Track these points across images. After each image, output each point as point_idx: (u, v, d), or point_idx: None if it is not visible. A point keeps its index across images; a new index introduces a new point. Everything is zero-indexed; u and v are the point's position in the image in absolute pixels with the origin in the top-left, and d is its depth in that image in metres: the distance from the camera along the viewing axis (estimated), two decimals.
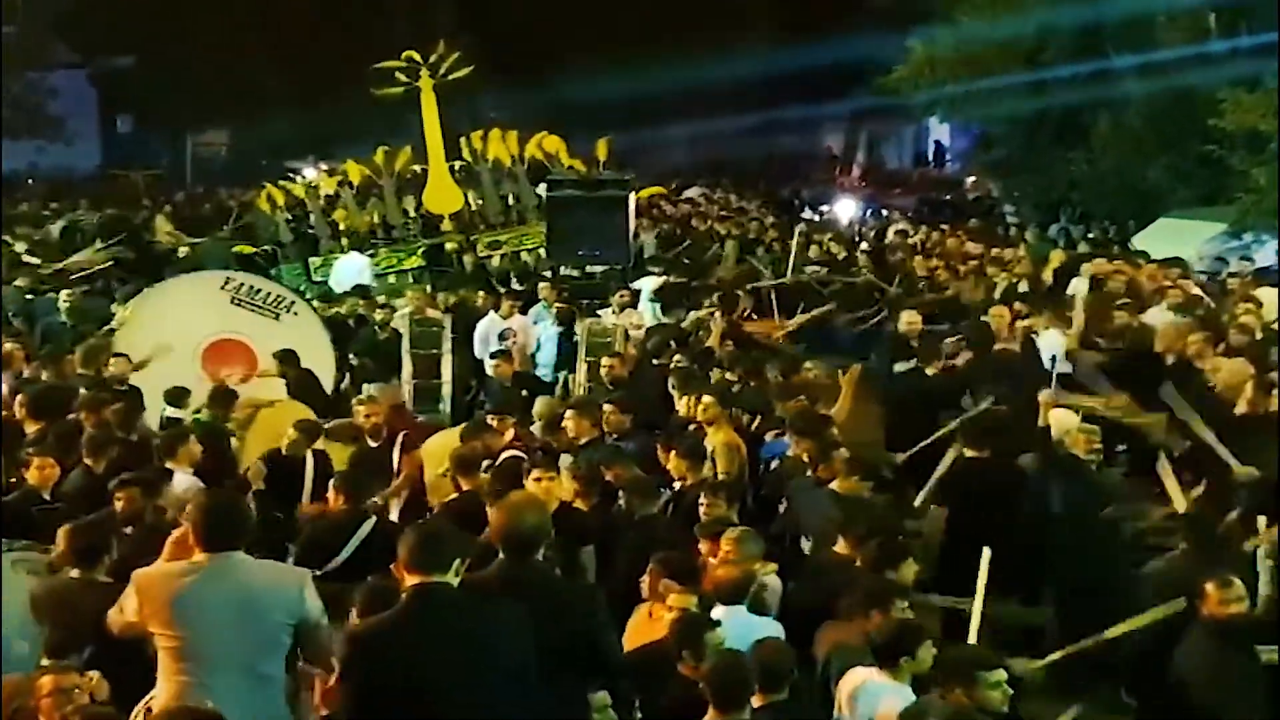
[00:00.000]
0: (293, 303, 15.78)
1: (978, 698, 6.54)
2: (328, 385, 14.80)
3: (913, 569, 8.20)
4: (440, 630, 5.67)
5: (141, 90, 46.29)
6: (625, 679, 6.74)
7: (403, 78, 23.62)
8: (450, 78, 23.96)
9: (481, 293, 19.06)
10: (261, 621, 6.07)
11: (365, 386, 15.02)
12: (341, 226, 23.80)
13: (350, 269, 21.77)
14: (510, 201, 24.30)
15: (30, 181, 42.10)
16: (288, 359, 14.23)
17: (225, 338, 15.24)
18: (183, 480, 9.79)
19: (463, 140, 24.55)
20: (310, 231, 23.76)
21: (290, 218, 23.89)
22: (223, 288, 15.59)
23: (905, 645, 6.88)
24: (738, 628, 7.31)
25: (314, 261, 23.23)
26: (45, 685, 6.49)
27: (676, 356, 14.18)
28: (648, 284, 18.94)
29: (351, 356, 16.06)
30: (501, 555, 6.39)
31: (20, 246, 22.40)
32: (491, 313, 17.01)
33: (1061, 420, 10.87)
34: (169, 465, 10.00)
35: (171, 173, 43.39)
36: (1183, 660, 7.75)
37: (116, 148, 48.88)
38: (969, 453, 10.60)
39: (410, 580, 5.74)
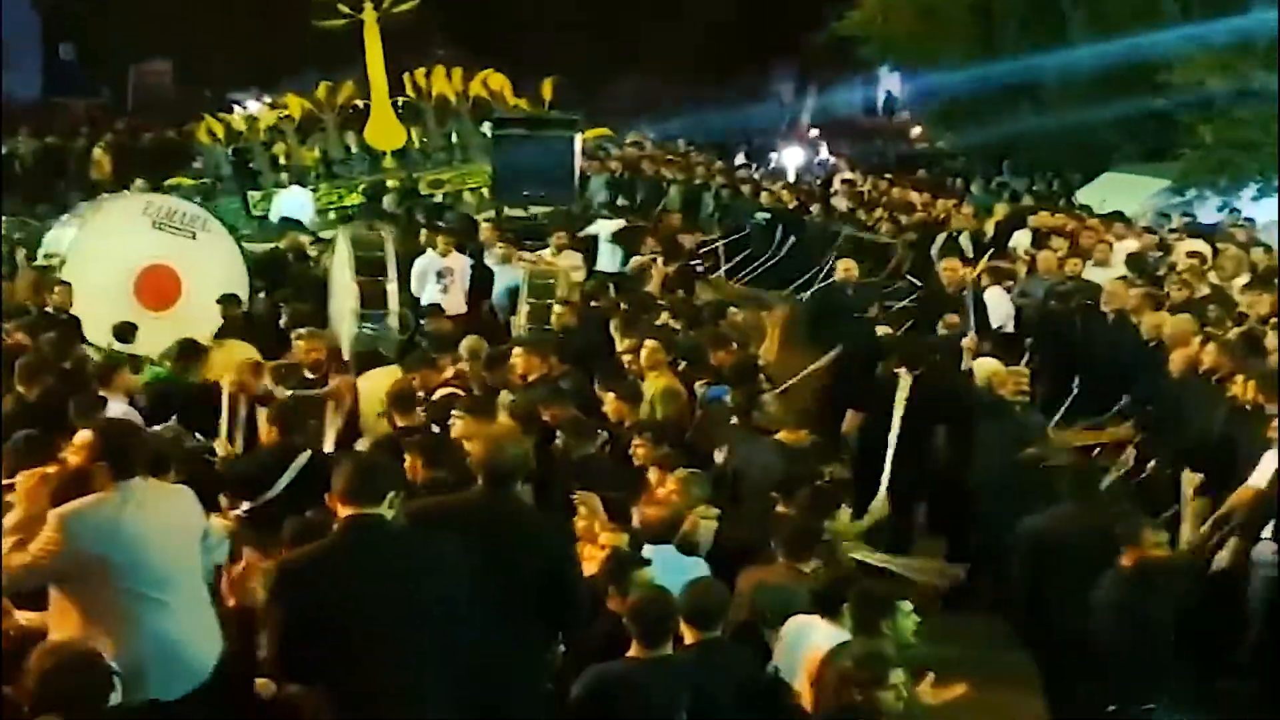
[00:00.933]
0: (205, 220, 15.64)
1: (895, 629, 6.61)
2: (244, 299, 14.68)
3: (847, 517, 8.27)
4: (372, 562, 5.63)
5: (85, 18, 45.64)
6: (585, 617, 6.74)
7: (345, 9, 23.27)
8: (395, 10, 23.60)
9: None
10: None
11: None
12: (282, 161, 23.49)
13: (292, 202, 21.46)
14: (453, 139, 24.09)
15: None
16: (229, 301, 14.14)
17: (153, 264, 15.03)
18: (117, 409, 9.74)
19: (406, 76, 24.27)
20: (250, 165, 23.37)
21: (229, 151, 23.50)
22: (144, 212, 15.41)
23: (869, 606, 6.78)
24: (666, 566, 7.35)
25: (253, 196, 22.83)
26: None
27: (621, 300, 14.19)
28: (605, 226, 18.86)
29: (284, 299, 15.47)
30: (481, 484, 6.44)
31: None
32: (429, 251, 16.62)
33: (985, 364, 11.17)
34: (103, 394, 9.91)
35: (113, 102, 42.77)
36: (1101, 602, 7.84)
37: (58, 76, 48.16)
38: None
39: (343, 512, 5.71)
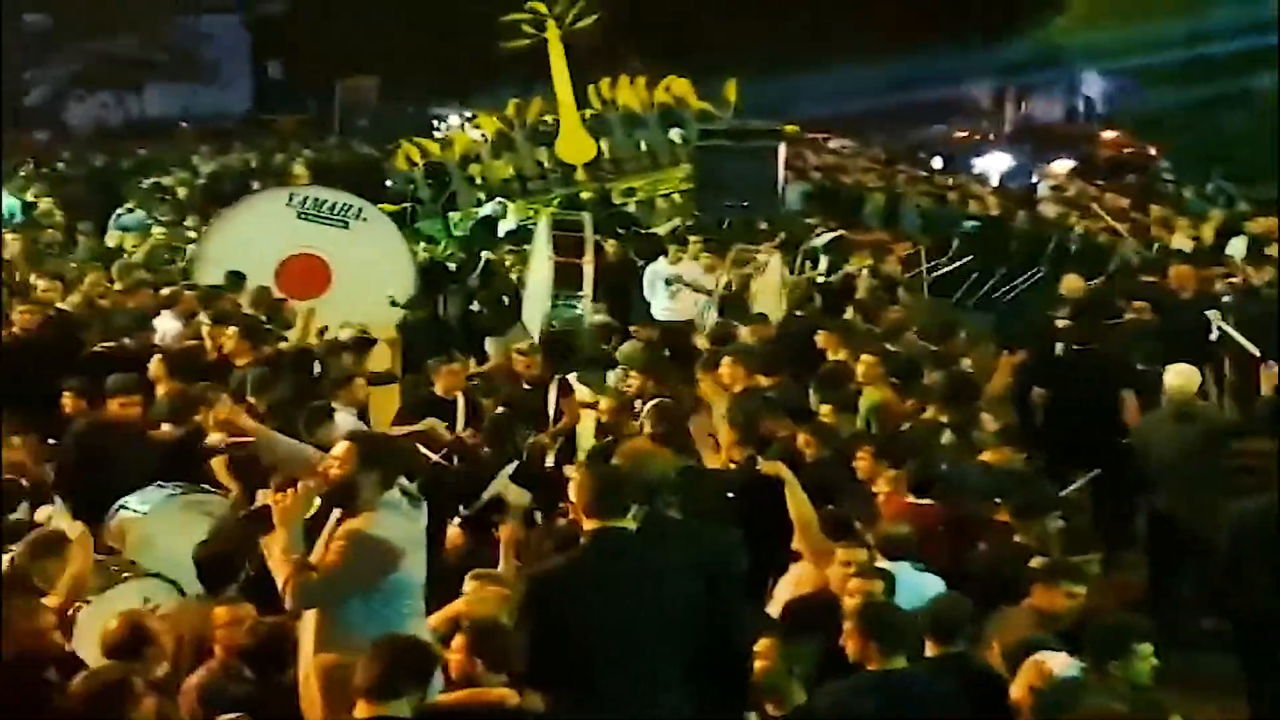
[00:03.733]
0: (360, 209, 15.51)
1: (1130, 672, 6.41)
2: (408, 289, 14.69)
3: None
4: (618, 574, 5.74)
5: (292, 36, 46.88)
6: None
7: (529, 30, 23.53)
8: (577, 26, 23.78)
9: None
10: None
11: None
12: (477, 180, 23.92)
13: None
14: (642, 147, 24.17)
15: (184, 124, 42.88)
16: (413, 304, 14.31)
17: (297, 253, 15.00)
18: (345, 420, 9.88)
19: (591, 88, 24.47)
20: (448, 186, 23.80)
21: (428, 174, 23.99)
22: (287, 204, 15.44)
23: (1101, 644, 6.57)
24: (903, 582, 7.34)
25: (453, 216, 23.26)
26: (222, 616, 6.74)
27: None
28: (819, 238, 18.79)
29: (474, 304, 15.76)
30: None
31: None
32: (661, 259, 16.65)
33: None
34: (334, 405, 10.13)
35: (320, 118, 43.91)
36: None
37: (267, 93, 49.55)
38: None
39: (588, 525, 5.81)
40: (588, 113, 24.31)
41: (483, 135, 24.44)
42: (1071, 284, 14.71)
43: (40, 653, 6.46)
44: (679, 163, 23.55)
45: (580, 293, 14.38)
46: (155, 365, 10.90)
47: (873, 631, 6.37)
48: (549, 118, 24.40)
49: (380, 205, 23.17)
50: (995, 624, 7.21)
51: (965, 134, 47.89)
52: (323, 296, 14.16)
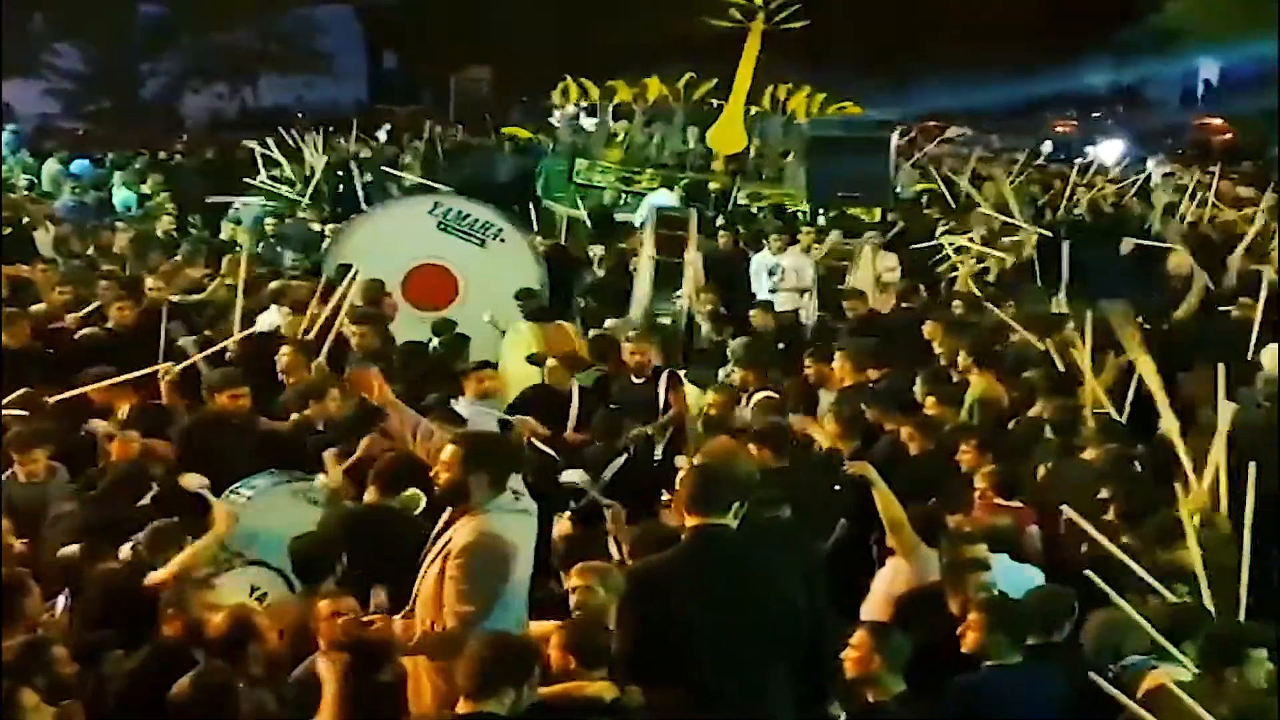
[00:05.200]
0: (500, 230, 15.24)
1: (1247, 679, 6.27)
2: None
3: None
4: (717, 573, 5.77)
5: (407, 26, 47.25)
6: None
7: (737, 15, 23.46)
8: (782, 27, 23.64)
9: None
10: None
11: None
12: (619, 138, 24.03)
13: (656, 203, 20.72)
14: (788, 158, 24.01)
15: (300, 115, 43.44)
16: (527, 295, 14.12)
17: (427, 263, 14.82)
18: (465, 409, 9.97)
19: (769, 89, 24.37)
20: (585, 130, 24.02)
21: (574, 114, 24.27)
22: (430, 212, 15.26)
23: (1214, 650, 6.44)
24: (1003, 573, 7.36)
25: (580, 163, 23.31)
26: (324, 610, 6.74)
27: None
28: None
29: (579, 298, 15.75)
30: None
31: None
32: (765, 248, 16.64)
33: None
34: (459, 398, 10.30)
35: (434, 108, 44.20)
36: None
37: (381, 84, 49.98)
38: None
39: (690, 521, 5.81)
40: (754, 109, 24.22)
41: (642, 97, 24.31)
42: (1178, 261, 14.46)
43: (190, 635, 6.61)
44: None
45: (679, 293, 14.26)
46: (289, 355, 11.05)
47: (996, 624, 6.45)
48: (714, 101, 24.33)
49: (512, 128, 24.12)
50: (1098, 628, 7.11)
51: (1079, 121, 47.23)
52: (446, 310, 14.16)
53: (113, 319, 12.32)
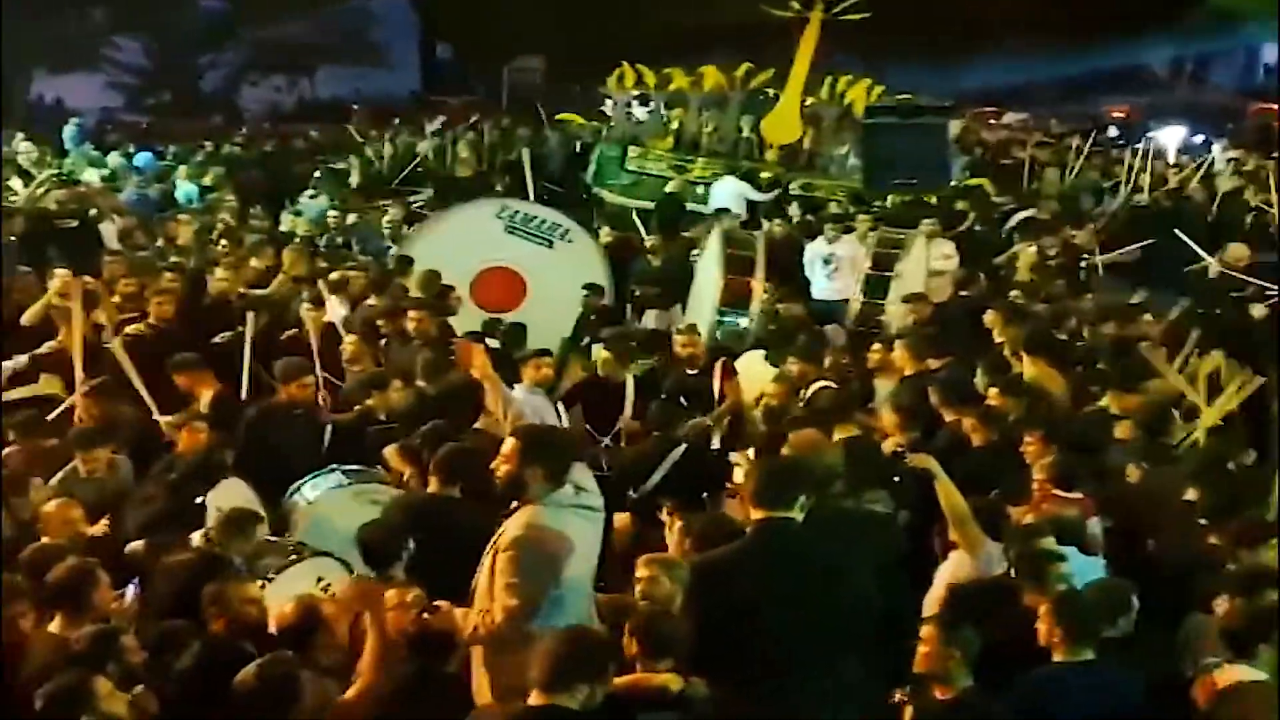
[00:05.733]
0: (567, 230, 15.52)
1: None
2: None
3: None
4: (783, 568, 5.77)
5: (460, 17, 47.31)
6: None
7: (796, 5, 23.37)
8: (842, 18, 23.49)
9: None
10: None
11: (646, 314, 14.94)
12: (672, 125, 24.01)
13: (724, 192, 21.20)
14: (842, 152, 23.89)
15: (355, 106, 43.59)
16: (593, 290, 14.40)
17: (496, 266, 15.05)
18: (518, 395, 9.97)
19: (828, 80, 24.24)
20: (638, 119, 24.05)
21: (627, 99, 24.29)
22: (498, 215, 15.45)
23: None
24: (1075, 566, 7.32)
25: (632, 151, 23.31)
26: (392, 599, 6.79)
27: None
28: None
29: (634, 288, 15.77)
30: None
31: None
32: (820, 237, 16.65)
33: None
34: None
35: (487, 99, 44.24)
36: None
37: (436, 74, 50.05)
38: None
39: (755, 515, 5.82)
40: (810, 99, 24.13)
41: (698, 84, 24.27)
42: (1237, 252, 14.30)
43: (242, 626, 6.68)
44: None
45: (745, 310, 14.25)
46: (353, 344, 11.24)
47: (1070, 619, 6.43)
48: (771, 91, 24.23)
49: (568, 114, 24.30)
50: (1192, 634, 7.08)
51: (1140, 106, 46.75)
52: (514, 312, 14.29)
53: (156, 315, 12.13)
